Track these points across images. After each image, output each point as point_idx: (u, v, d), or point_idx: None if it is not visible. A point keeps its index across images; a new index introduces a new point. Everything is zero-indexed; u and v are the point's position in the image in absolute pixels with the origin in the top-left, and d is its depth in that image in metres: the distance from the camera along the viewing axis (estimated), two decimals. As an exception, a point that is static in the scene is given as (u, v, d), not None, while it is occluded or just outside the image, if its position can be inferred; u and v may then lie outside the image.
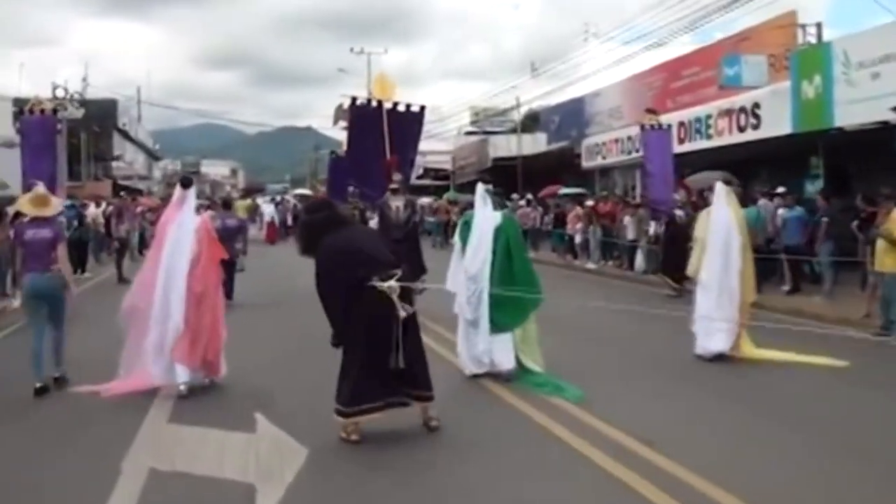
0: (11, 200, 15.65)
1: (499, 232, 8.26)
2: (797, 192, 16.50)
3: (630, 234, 19.35)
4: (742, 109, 18.83)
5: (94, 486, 5.36)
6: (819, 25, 21.51)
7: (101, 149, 43.63)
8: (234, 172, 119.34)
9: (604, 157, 27.23)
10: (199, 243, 8.03)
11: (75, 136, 34.12)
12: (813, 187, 17.24)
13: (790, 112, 16.54)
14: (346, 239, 6.30)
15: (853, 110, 14.86)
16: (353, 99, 15.65)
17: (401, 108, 15.09)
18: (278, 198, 45.81)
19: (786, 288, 14.52)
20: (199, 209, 9.27)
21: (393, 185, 13.08)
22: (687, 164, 18.63)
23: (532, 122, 41.65)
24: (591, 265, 20.79)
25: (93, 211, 21.95)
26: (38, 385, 7.82)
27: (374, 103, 15.13)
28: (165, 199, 20.59)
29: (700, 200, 15.09)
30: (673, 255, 14.65)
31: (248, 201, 38.53)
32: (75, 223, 18.57)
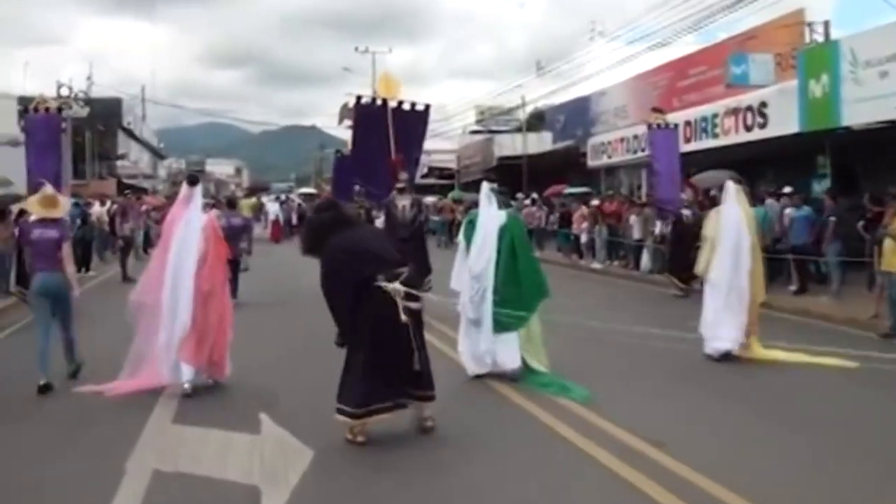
0: (16, 198, 15.65)
1: (503, 231, 8.21)
2: (804, 191, 16.43)
3: (636, 234, 19.29)
4: (749, 108, 18.74)
5: (97, 487, 5.33)
6: (826, 24, 21.42)
7: (105, 147, 43.72)
8: (238, 171, 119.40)
9: (609, 157, 27.15)
10: (207, 242, 8.00)
11: (80, 134, 34.17)
12: (820, 187, 17.15)
13: (797, 111, 16.45)
14: (352, 239, 6.28)
15: (861, 109, 14.78)
16: (359, 98, 15.61)
17: (406, 106, 15.03)
18: (283, 197, 45.82)
19: (793, 288, 14.45)
20: (204, 208, 9.25)
21: (399, 184, 13.02)
22: (693, 163, 18.55)
23: (537, 121, 41.57)
24: (596, 265, 20.73)
25: (97, 209, 21.97)
26: (41, 383, 7.80)
27: (379, 102, 15.09)
28: (170, 198, 20.59)
29: (706, 200, 15.05)
30: (679, 254, 14.61)
31: (253, 200, 38.52)
32: (78, 221, 18.57)
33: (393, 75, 16.06)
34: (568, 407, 7.07)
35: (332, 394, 6.22)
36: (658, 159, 16.81)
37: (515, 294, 8.04)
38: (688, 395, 7.66)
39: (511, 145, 37.38)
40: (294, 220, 33.97)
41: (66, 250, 8.24)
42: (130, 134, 50.72)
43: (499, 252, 8.13)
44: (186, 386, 7.59)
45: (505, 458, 5.83)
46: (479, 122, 48.31)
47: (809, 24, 21.32)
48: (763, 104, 18.21)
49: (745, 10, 23.37)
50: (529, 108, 41.34)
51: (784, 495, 5.11)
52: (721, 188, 10.33)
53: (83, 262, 18.14)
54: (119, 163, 47.47)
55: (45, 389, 7.77)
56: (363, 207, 18.40)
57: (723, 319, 8.98)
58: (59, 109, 13.48)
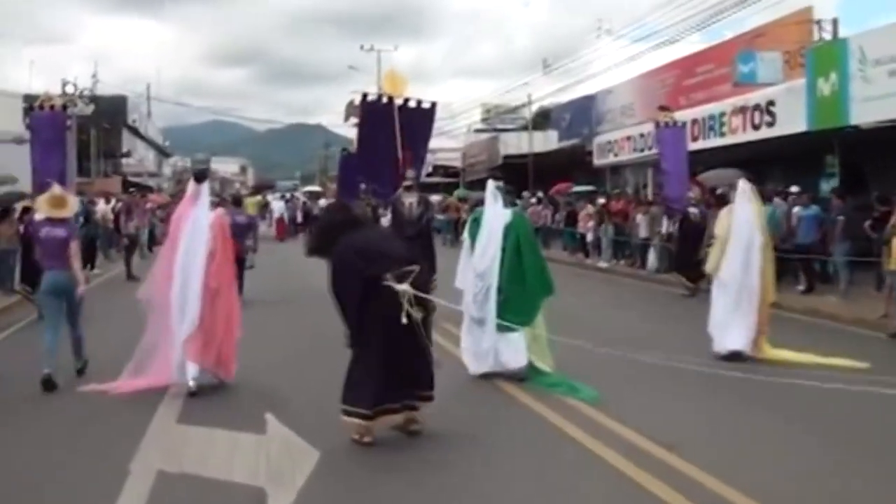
0: (21, 196, 15.65)
1: (509, 229, 8.16)
2: (812, 190, 16.31)
3: (642, 233, 19.22)
4: (756, 107, 18.65)
5: (101, 487, 5.28)
6: (835, 22, 21.35)
7: (110, 145, 43.73)
8: (243, 169, 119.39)
9: (616, 155, 27.05)
10: (215, 239, 7.95)
11: (85, 132, 34.15)
12: (828, 186, 17.04)
13: (805, 109, 16.36)
14: (362, 239, 6.25)
15: (869, 108, 14.69)
16: (364, 95, 15.59)
17: (412, 104, 14.99)
18: (288, 195, 45.80)
19: (800, 287, 14.37)
20: (210, 206, 9.20)
21: (406, 182, 12.96)
22: (700, 161, 18.48)
23: (543, 119, 41.50)
24: (602, 264, 20.67)
25: (102, 207, 21.92)
26: (45, 372, 7.73)
27: (384, 99, 15.05)
28: (175, 196, 20.58)
29: (713, 198, 14.96)
30: (687, 253, 14.53)
31: (258, 198, 38.52)
32: (81, 219, 18.54)
33: (399, 71, 16.07)
34: (576, 407, 7.01)
35: (338, 394, 6.17)
36: (666, 158, 16.75)
37: (520, 292, 7.99)
38: (696, 396, 7.59)
39: (517, 144, 37.30)
40: (299, 218, 33.89)
41: (75, 249, 8.24)
42: (135, 132, 50.76)
43: (503, 250, 8.07)
44: (192, 384, 7.54)
45: (513, 459, 5.79)
46: (484, 120, 48.25)
47: (818, 22, 21.24)
48: (771, 103, 18.12)
49: (750, 8, 23.30)
50: (535, 107, 41.26)
51: (793, 496, 5.07)
52: (730, 186, 10.25)
53: (88, 261, 18.11)
54: (124, 161, 47.48)
55: (48, 383, 7.70)
56: (369, 205, 18.36)
57: (732, 319, 8.90)
58: (65, 107, 13.51)
